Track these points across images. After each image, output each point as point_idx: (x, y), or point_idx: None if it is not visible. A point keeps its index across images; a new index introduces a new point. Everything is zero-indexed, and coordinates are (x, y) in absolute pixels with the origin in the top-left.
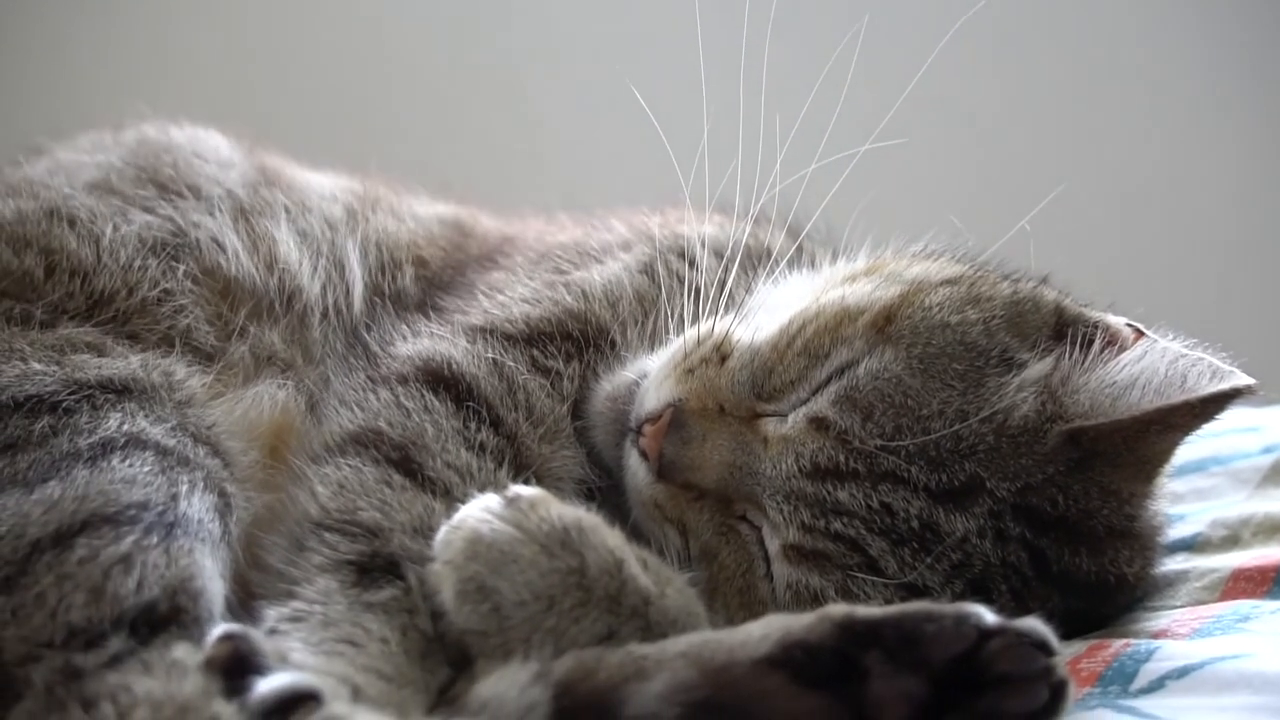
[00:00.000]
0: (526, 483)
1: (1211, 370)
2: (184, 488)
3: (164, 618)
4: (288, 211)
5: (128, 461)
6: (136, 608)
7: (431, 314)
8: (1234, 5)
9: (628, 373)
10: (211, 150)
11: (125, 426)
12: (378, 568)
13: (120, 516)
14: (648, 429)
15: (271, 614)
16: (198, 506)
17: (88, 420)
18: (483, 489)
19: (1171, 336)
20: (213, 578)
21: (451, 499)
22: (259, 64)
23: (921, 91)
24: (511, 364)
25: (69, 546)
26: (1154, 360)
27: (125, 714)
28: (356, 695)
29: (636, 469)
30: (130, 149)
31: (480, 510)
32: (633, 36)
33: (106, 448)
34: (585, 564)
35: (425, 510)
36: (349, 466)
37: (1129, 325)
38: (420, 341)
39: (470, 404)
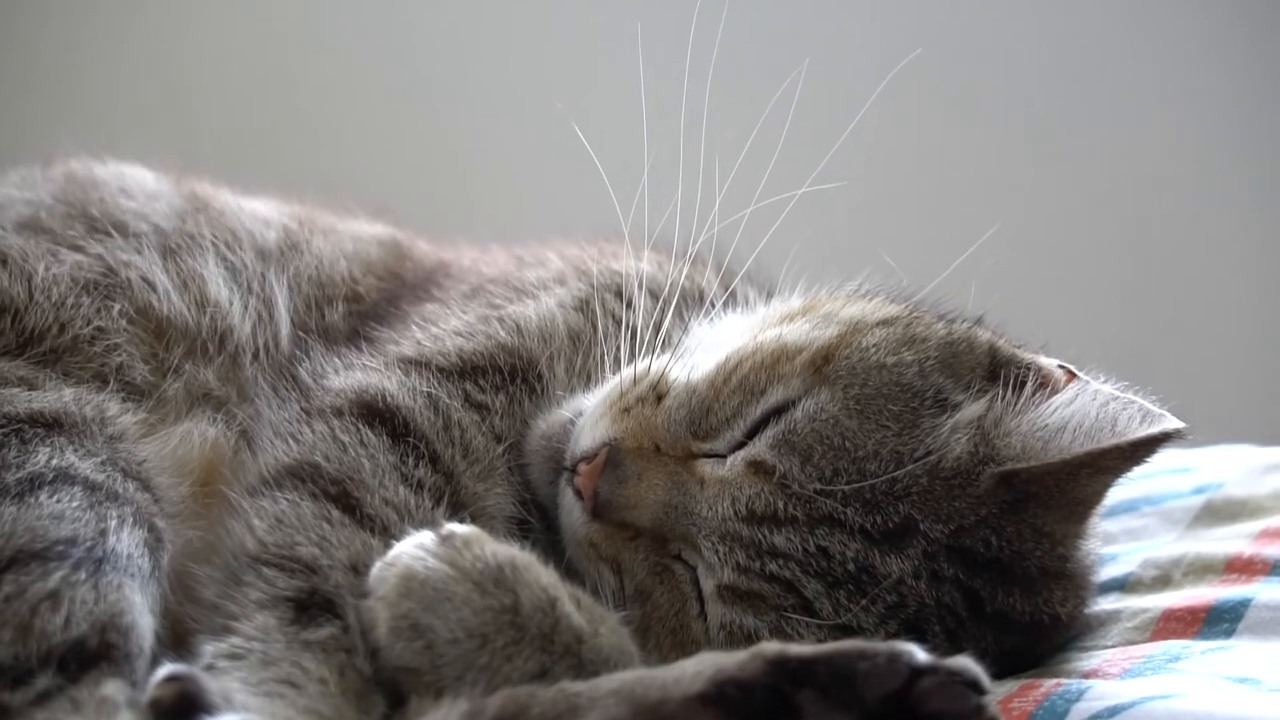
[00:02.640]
0: (462, 521)
1: (1142, 414)
2: (113, 523)
3: (93, 654)
4: (215, 246)
5: (56, 497)
6: (65, 644)
7: (363, 345)
8: (1156, 53)
9: (563, 411)
10: (136, 184)
11: (54, 461)
12: (316, 605)
13: (48, 552)
14: (583, 468)
15: (209, 649)
16: (127, 542)
17: (16, 455)
18: (420, 527)
19: (1103, 378)
20: (143, 613)
21: (389, 536)
22: (188, 90)
23: (859, 135)
24: (446, 399)
25: None
26: (1085, 403)
27: None
28: None
29: (571, 508)
30: (59, 185)
31: (414, 547)
32: (576, 74)
33: (34, 483)
34: (519, 602)
35: (364, 548)
36: (286, 501)
37: (1061, 367)
38: (353, 374)
39: (408, 439)
